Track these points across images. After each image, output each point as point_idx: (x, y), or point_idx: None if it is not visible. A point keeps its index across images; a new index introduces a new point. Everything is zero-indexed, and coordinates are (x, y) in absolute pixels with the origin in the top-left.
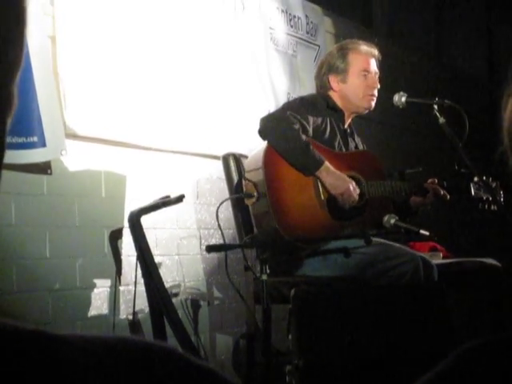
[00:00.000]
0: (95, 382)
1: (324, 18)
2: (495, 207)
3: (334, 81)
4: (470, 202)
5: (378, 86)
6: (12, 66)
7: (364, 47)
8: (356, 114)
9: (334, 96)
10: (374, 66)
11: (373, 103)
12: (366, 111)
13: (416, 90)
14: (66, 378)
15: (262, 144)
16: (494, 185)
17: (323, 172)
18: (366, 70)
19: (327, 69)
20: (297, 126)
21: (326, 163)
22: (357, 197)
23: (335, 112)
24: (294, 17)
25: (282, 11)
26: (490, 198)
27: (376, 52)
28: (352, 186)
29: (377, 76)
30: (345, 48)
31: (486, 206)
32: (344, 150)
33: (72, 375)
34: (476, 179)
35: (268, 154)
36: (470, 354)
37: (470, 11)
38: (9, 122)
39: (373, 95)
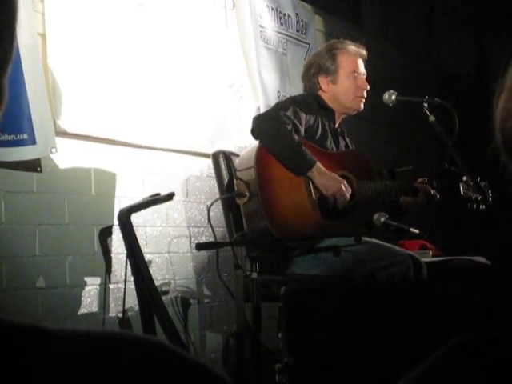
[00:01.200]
0: (87, 376)
1: (314, 16)
2: (484, 207)
3: (323, 82)
4: (459, 201)
5: (368, 87)
6: (2, 59)
7: (352, 47)
8: (345, 114)
9: (324, 96)
10: (362, 66)
11: (362, 105)
12: (355, 112)
13: (405, 88)
14: (57, 372)
15: (254, 143)
16: (482, 184)
17: (315, 173)
18: (356, 71)
19: (316, 70)
20: (289, 127)
21: (318, 164)
22: (349, 196)
23: (326, 112)
24: (285, 15)
25: (273, 9)
26: (479, 198)
27: (364, 52)
28: (344, 185)
29: (365, 77)
30: (334, 48)
31: (475, 206)
32: (335, 149)
33: (64, 369)
34: (465, 179)
35: (260, 153)
36: (459, 348)
37: (459, 11)
38: (0, 115)
39: (362, 96)
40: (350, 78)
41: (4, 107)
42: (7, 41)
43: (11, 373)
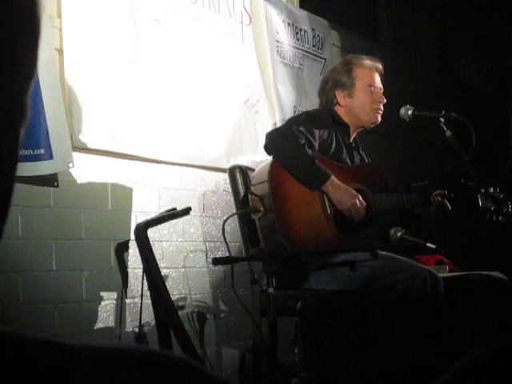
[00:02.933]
0: None
1: (331, 31)
2: (503, 218)
3: (340, 96)
4: (478, 212)
5: (385, 101)
6: (26, 76)
7: (368, 62)
8: (362, 128)
9: (340, 111)
10: (378, 80)
11: (379, 118)
12: (372, 125)
13: (422, 103)
14: None
15: (269, 158)
16: (501, 196)
17: (329, 187)
18: (372, 85)
19: (333, 84)
20: (303, 141)
21: (332, 178)
22: (364, 211)
23: (341, 126)
24: (301, 30)
25: (289, 24)
26: (498, 209)
27: (380, 66)
28: (358, 200)
29: (381, 91)
30: (349, 63)
31: (494, 217)
32: (350, 163)
33: None
34: (483, 190)
35: (273, 167)
36: (486, 356)
37: (474, 25)
38: (22, 132)
39: (379, 109)
40: (367, 91)
41: (26, 123)
42: (31, 57)
43: None
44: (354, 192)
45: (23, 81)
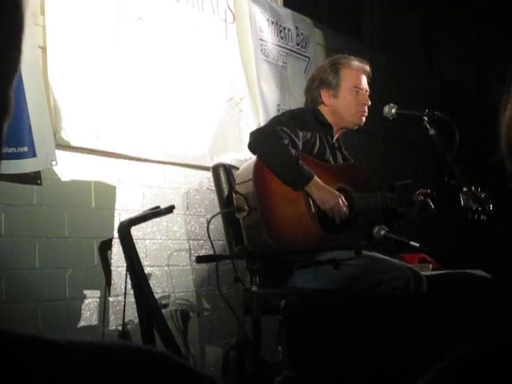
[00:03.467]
0: None
1: (314, 29)
2: (484, 217)
3: (325, 95)
4: (460, 211)
5: (369, 103)
6: (10, 70)
7: (356, 63)
8: (345, 129)
9: (324, 110)
10: (365, 82)
11: (363, 119)
12: (356, 127)
13: (405, 102)
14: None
15: (253, 156)
16: (483, 195)
17: (312, 187)
18: (358, 87)
19: (319, 83)
20: (286, 141)
21: (315, 178)
22: (347, 210)
23: (324, 126)
24: (285, 28)
25: (273, 23)
26: (480, 208)
27: (367, 68)
28: (341, 200)
29: (367, 93)
30: (337, 63)
31: (476, 216)
32: (333, 163)
33: (67, 380)
34: (465, 189)
35: (258, 166)
36: (470, 355)
37: (459, 24)
38: (5, 127)
39: (364, 111)
40: (352, 92)
41: (10, 118)
42: (16, 50)
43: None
44: (336, 193)
45: (6, 75)
